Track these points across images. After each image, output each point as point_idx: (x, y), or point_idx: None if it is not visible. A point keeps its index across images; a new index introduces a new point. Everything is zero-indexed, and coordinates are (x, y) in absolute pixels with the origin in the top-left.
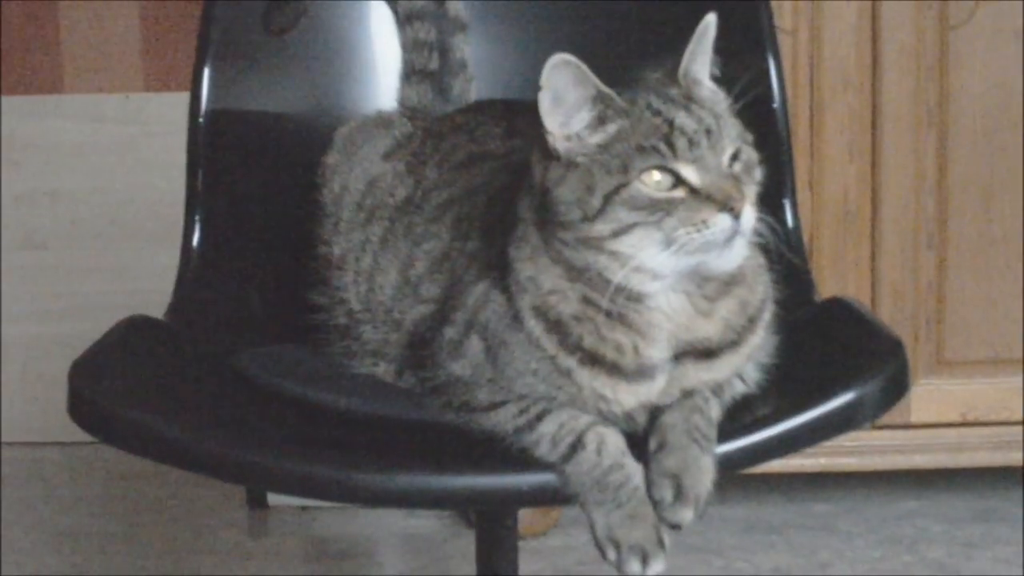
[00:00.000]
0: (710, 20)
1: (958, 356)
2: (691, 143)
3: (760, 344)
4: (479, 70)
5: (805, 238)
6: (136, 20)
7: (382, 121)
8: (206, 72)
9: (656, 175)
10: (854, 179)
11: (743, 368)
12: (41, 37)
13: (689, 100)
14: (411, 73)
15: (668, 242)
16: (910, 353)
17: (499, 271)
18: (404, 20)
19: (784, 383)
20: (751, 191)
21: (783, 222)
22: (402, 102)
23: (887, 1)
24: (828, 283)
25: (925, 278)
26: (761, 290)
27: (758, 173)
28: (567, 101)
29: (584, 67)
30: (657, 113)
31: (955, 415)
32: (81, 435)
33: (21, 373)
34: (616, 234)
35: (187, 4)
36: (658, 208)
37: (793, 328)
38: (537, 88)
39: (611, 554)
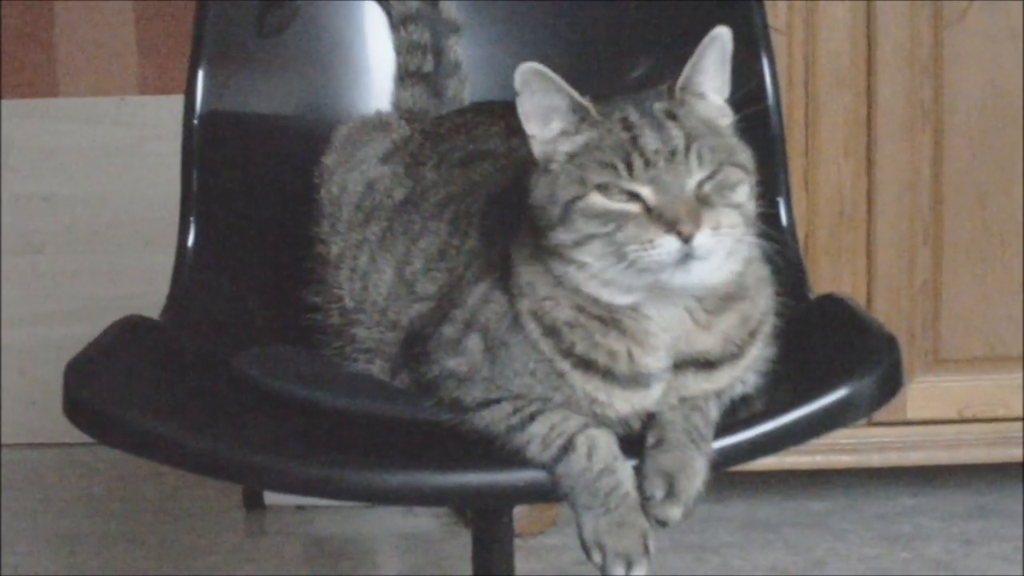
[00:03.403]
0: (716, 33)
1: (954, 353)
2: (647, 163)
3: (759, 355)
4: (473, 71)
5: (800, 236)
6: (131, 23)
7: (380, 123)
8: (200, 74)
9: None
10: (849, 177)
11: (743, 376)
12: (36, 40)
13: (671, 117)
14: (405, 75)
15: (620, 256)
16: (906, 351)
17: (500, 271)
18: (398, 23)
19: (778, 379)
20: (717, 214)
21: (777, 220)
22: (397, 104)
23: (881, 0)
24: (824, 281)
25: (921, 276)
26: (763, 303)
27: (740, 194)
28: (540, 109)
29: (553, 77)
30: (628, 127)
31: (952, 412)
32: (79, 437)
33: (19, 376)
34: (577, 244)
35: (181, 6)
36: (611, 219)
37: (787, 325)
38: None
39: (596, 557)
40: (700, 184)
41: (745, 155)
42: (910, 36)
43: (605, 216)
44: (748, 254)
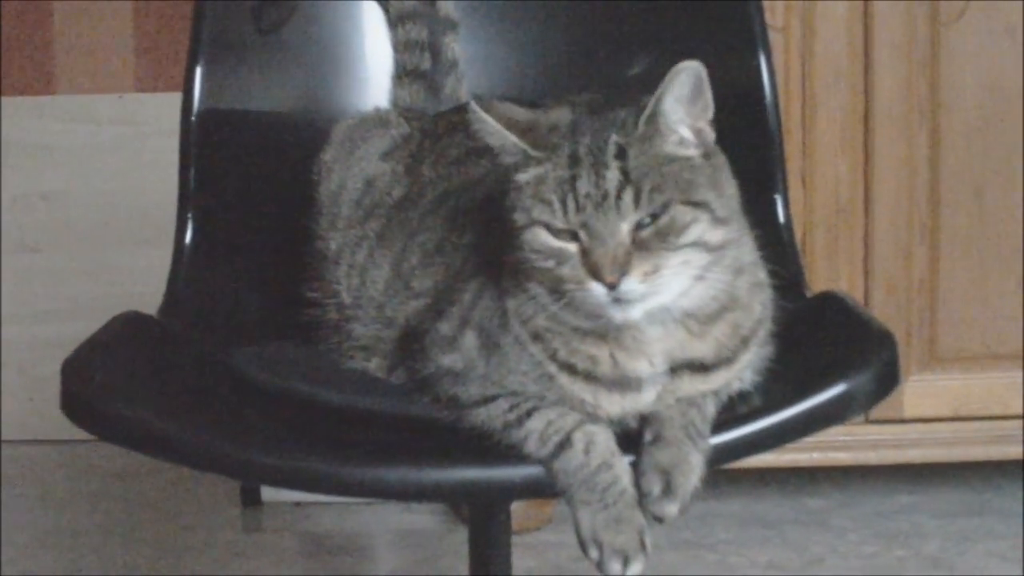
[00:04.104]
0: (682, 67)
1: (951, 351)
2: (578, 207)
3: (756, 354)
4: (470, 69)
5: (798, 234)
6: (129, 20)
7: (380, 120)
8: (198, 71)
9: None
10: (846, 175)
11: (740, 374)
12: (34, 38)
13: (620, 154)
14: (403, 73)
15: (560, 293)
16: (903, 348)
17: (495, 268)
18: (395, 20)
19: (775, 376)
20: (654, 259)
21: (775, 217)
22: (394, 102)
23: None
24: (821, 279)
25: (918, 273)
26: (758, 310)
27: (691, 234)
28: (489, 142)
29: (488, 120)
30: (574, 164)
31: (948, 410)
32: (77, 434)
33: (17, 373)
34: (530, 265)
35: (179, 4)
36: (551, 256)
37: (785, 322)
38: (526, 87)
39: (593, 554)
40: (638, 227)
41: (711, 190)
42: (907, 34)
43: (547, 251)
44: (730, 273)
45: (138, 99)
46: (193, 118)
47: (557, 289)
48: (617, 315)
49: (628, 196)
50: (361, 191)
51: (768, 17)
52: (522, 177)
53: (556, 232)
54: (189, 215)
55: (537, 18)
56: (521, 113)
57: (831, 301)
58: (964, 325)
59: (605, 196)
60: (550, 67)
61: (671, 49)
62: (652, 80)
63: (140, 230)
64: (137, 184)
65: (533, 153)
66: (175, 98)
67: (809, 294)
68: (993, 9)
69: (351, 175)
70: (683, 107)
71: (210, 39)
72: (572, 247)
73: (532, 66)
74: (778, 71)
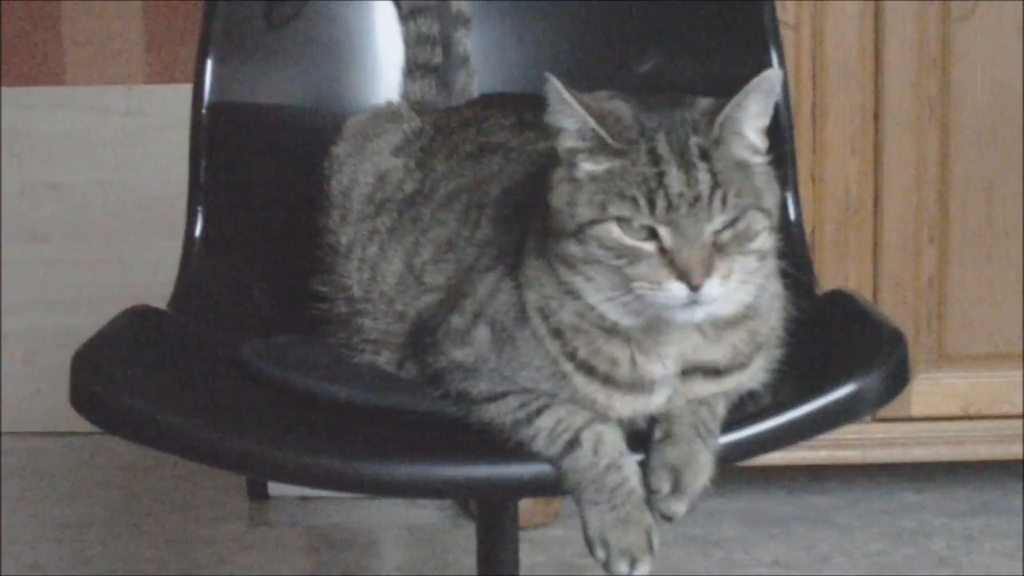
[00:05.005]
0: (767, 75)
1: (959, 350)
2: (670, 205)
3: (764, 364)
4: (481, 64)
5: (807, 232)
6: (139, 11)
7: (392, 114)
8: (208, 64)
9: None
10: (856, 173)
11: (752, 375)
12: (43, 28)
13: (704, 156)
14: (414, 68)
15: (627, 289)
16: (911, 346)
17: (513, 260)
18: (407, 15)
19: (786, 375)
20: (729, 263)
21: (785, 215)
22: (405, 97)
23: None
24: (830, 277)
25: (926, 272)
26: (775, 318)
27: (760, 241)
28: (563, 124)
29: (569, 100)
30: (655, 162)
31: (956, 408)
32: (82, 426)
33: (23, 364)
34: (587, 261)
35: None
36: (624, 254)
37: (794, 321)
38: (536, 84)
39: (600, 553)
40: (719, 230)
41: (772, 197)
42: (918, 32)
43: (619, 249)
44: (763, 280)
45: (147, 91)
46: (204, 111)
47: (622, 287)
48: (683, 316)
49: (718, 199)
50: (373, 185)
51: (779, 13)
52: (591, 167)
53: (632, 229)
54: (199, 208)
55: (548, 14)
56: (587, 98)
57: (841, 299)
58: (973, 324)
59: (698, 197)
60: (561, 64)
61: (682, 45)
62: (663, 77)
63: (149, 222)
64: (146, 176)
65: (611, 143)
66: (185, 90)
67: (818, 292)
68: (1004, 7)
69: (363, 169)
70: (755, 113)
71: (221, 31)
72: (649, 246)
73: (543, 63)
74: (788, 68)
